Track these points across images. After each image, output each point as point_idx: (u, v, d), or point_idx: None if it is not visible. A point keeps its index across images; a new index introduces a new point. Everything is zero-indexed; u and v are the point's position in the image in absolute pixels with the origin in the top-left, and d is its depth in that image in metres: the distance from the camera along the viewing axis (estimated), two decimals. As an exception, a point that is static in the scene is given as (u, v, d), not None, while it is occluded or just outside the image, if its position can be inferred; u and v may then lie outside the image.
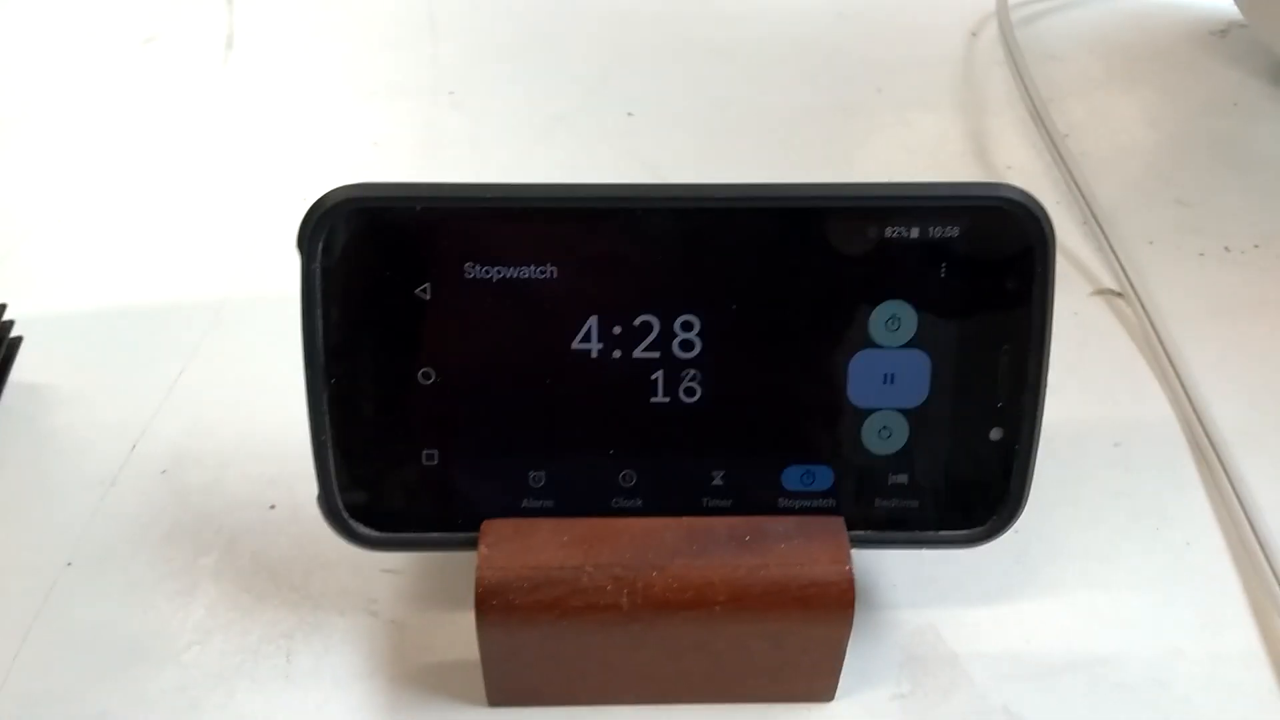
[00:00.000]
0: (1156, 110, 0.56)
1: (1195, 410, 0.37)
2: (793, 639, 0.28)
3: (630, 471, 0.28)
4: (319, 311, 0.27)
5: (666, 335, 0.27)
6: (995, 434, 0.28)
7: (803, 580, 0.27)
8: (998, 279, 0.27)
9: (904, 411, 0.28)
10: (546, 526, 0.28)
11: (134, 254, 0.45)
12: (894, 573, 0.32)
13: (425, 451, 0.28)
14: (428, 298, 0.27)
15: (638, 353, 0.27)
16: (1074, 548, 0.33)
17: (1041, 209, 0.26)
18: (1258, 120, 0.55)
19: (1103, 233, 0.45)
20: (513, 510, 0.28)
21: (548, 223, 0.27)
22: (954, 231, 0.27)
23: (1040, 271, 0.27)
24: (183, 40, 0.60)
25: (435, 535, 0.28)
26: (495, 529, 0.28)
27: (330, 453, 0.27)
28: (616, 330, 0.27)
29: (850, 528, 0.28)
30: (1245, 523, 0.33)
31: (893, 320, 0.27)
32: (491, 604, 0.26)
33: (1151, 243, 0.46)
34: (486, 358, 0.27)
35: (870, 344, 0.27)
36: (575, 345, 0.27)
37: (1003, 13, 0.61)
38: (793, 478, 0.28)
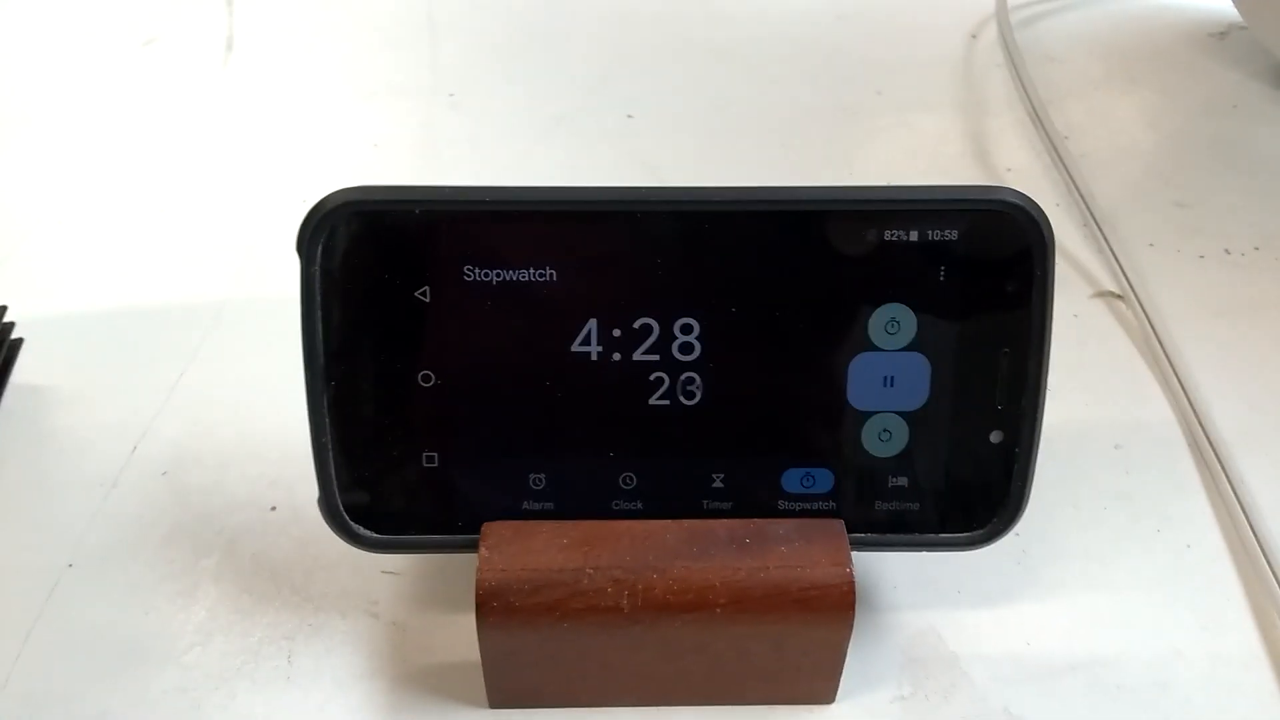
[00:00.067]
0: (1156, 112, 0.56)
1: (1195, 412, 0.37)
2: (793, 641, 0.28)
3: (630, 474, 0.28)
4: (319, 314, 0.27)
5: (666, 338, 0.27)
6: (995, 436, 0.28)
7: (803, 583, 0.27)
8: (997, 282, 0.27)
9: (904, 414, 0.28)
10: (547, 529, 0.28)
11: (134, 256, 0.45)
12: (894, 574, 0.32)
13: (425, 453, 0.28)
14: (427, 300, 0.27)
15: (637, 355, 0.27)
16: (1074, 549, 0.33)
17: (1041, 212, 0.26)
18: (1257, 122, 0.55)
19: (1102, 235, 0.45)
20: (513, 512, 0.28)
21: (547, 225, 0.27)
22: (953, 234, 0.27)
23: (1040, 274, 0.27)
24: (183, 42, 0.60)
25: (436, 537, 0.28)
26: (496, 531, 0.28)
27: (331, 455, 0.27)
28: (616, 333, 0.27)
29: (850, 530, 0.28)
30: (1245, 524, 0.33)
31: (892, 323, 0.27)
32: (492, 606, 0.26)
33: (1151, 245, 0.46)
34: (486, 360, 0.27)
35: (870, 347, 0.27)
36: (575, 348, 0.27)
37: (1002, 14, 0.61)
38: (793, 480, 0.28)
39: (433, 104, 0.55)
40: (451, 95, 0.56)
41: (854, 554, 0.27)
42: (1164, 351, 0.40)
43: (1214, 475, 0.35)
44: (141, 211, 0.47)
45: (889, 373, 0.27)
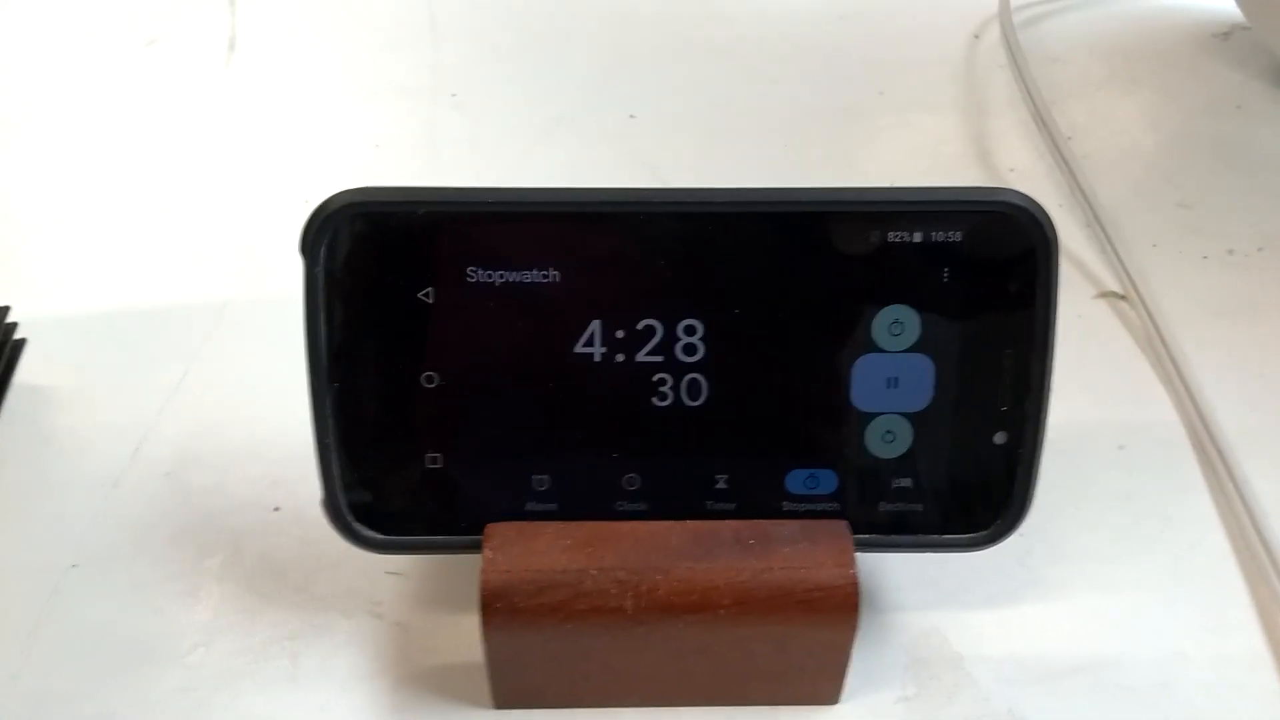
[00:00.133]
0: (1159, 112, 0.56)
1: (1199, 413, 0.37)
2: (797, 642, 0.28)
3: (634, 475, 0.28)
4: (322, 315, 0.27)
5: (669, 339, 0.27)
6: (999, 438, 0.28)
7: (807, 584, 0.27)
8: (1001, 283, 0.27)
9: (908, 415, 0.28)
10: (550, 530, 0.28)
11: (137, 256, 0.45)
12: (898, 575, 0.32)
13: (429, 454, 0.28)
14: (431, 301, 0.27)
15: (641, 356, 0.27)
16: (1078, 550, 0.33)
17: (1044, 213, 0.26)
18: (1261, 122, 0.55)
19: (1106, 235, 0.45)
20: (517, 513, 0.28)
21: (551, 226, 0.27)
22: (957, 236, 0.27)
23: (1043, 276, 0.27)
24: (185, 42, 0.60)
25: (439, 538, 0.28)
26: (499, 532, 0.28)
27: (334, 455, 0.27)
28: (619, 334, 0.27)
29: (854, 531, 0.28)
30: (1249, 525, 0.33)
31: (896, 324, 0.27)
32: (496, 607, 0.26)
33: (1155, 245, 0.46)
34: (490, 361, 0.27)
35: (874, 348, 0.27)
36: (578, 349, 0.27)
37: (1005, 14, 0.61)
38: (797, 481, 0.28)
39: (435, 104, 0.55)
40: (453, 95, 0.56)
41: (858, 555, 0.27)
42: (1167, 352, 0.39)
43: (1218, 476, 0.35)
44: (144, 212, 0.47)
45: (893, 374, 0.27)
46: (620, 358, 0.27)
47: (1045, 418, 0.27)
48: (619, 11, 0.63)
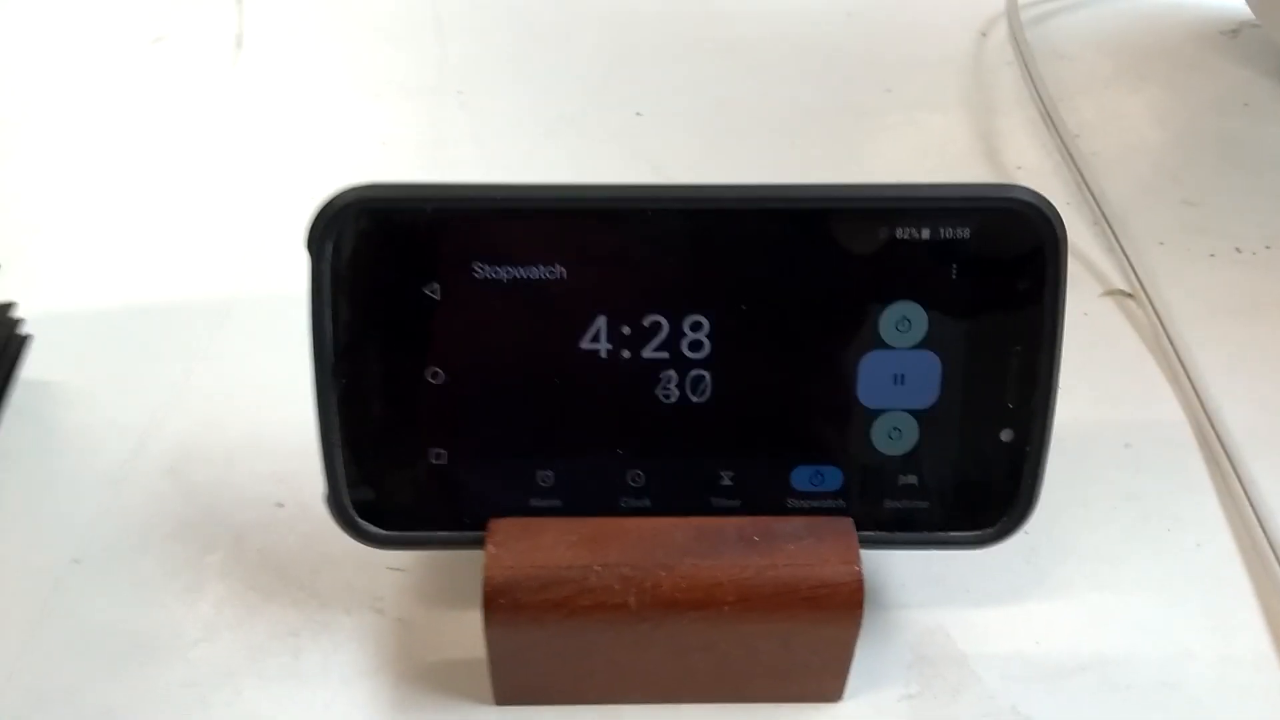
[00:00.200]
0: (1167, 110, 0.56)
1: (1206, 412, 0.37)
2: (801, 639, 0.27)
3: (639, 471, 0.28)
4: (328, 311, 0.27)
5: (676, 335, 0.27)
6: (1006, 435, 0.28)
7: (812, 581, 0.27)
8: (1009, 280, 0.27)
9: (914, 412, 0.28)
10: (554, 526, 0.28)
11: (142, 252, 0.45)
12: (903, 572, 0.32)
13: (433, 450, 0.28)
14: (437, 297, 0.27)
15: (647, 353, 0.27)
16: (1084, 549, 0.33)
17: (1053, 210, 0.26)
18: (1268, 120, 0.54)
19: (1113, 233, 0.45)
20: (520, 509, 0.28)
21: (557, 223, 0.27)
22: (965, 233, 0.26)
23: (1051, 273, 0.26)
24: (192, 40, 0.60)
25: (443, 534, 0.28)
26: (503, 528, 0.28)
27: (338, 451, 0.27)
28: (625, 330, 0.27)
29: (859, 528, 0.28)
30: (1256, 525, 0.33)
31: (903, 321, 0.27)
32: (499, 603, 0.26)
33: (1162, 243, 0.45)
34: (495, 357, 0.27)
35: (880, 345, 0.27)
36: (584, 345, 0.27)
37: (1012, 12, 0.61)
38: (802, 478, 0.28)
39: (441, 102, 0.55)
40: (460, 93, 0.56)
41: (863, 552, 0.27)
42: (1174, 350, 0.39)
43: (1224, 475, 0.35)
44: (150, 208, 0.47)
45: (899, 371, 0.27)
46: (626, 354, 0.27)
47: (1052, 415, 0.27)
48: (625, 9, 0.63)
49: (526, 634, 0.27)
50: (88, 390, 0.38)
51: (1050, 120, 0.53)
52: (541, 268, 0.27)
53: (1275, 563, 0.32)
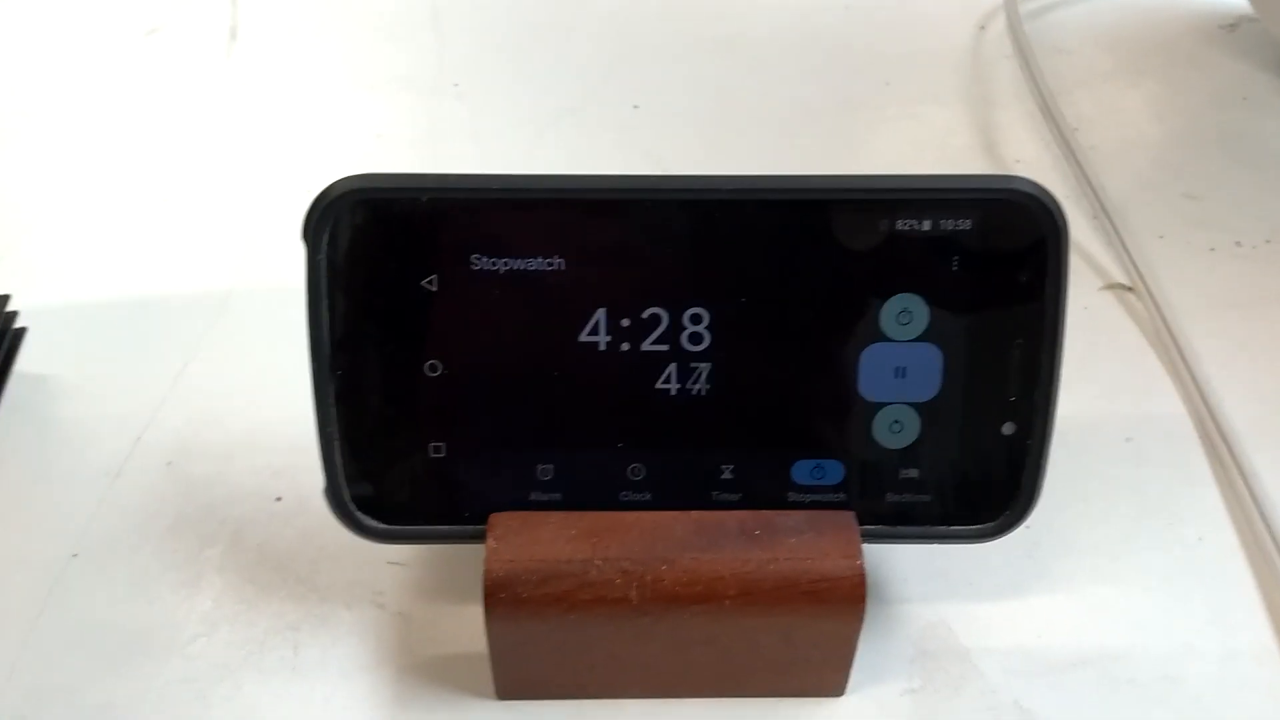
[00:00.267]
0: (1166, 104, 0.56)
1: (1207, 405, 0.37)
2: (803, 634, 0.27)
3: (639, 465, 0.28)
4: (325, 303, 0.26)
5: (675, 328, 0.27)
6: (1007, 428, 0.28)
7: (813, 575, 0.27)
8: (1010, 272, 0.27)
9: (915, 405, 0.28)
10: (555, 519, 0.28)
11: (139, 245, 0.45)
12: (905, 567, 0.32)
13: (432, 444, 0.28)
14: (434, 289, 0.27)
15: (646, 345, 0.27)
16: (1085, 543, 0.33)
17: (1054, 201, 0.26)
18: (1267, 114, 0.54)
19: (1113, 227, 0.45)
20: (520, 503, 0.28)
21: (555, 214, 0.26)
22: (966, 224, 0.26)
23: (1053, 265, 0.26)
24: (186, 31, 0.60)
25: (442, 528, 0.28)
26: (503, 522, 0.27)
27: (336, 445, 0.27)
28: (625, 322, 0.27)
29: (861, 522, 0.28)
30: (1258, 518, 0.33)
31: (904, 314, 0.27)
32: (500, 597, 0.26)
33: (1162, 237, 0.45)
34: (494, 350, 0.27)
35: (881, 337, 0.27)
36: (583, 337, 0.27)
37: (1011, 6, 0.61)
38: (803, 472, 0.28)
39: (437, 95, 0.55)
40: (456, 86, 0.56)
41: (864, 546, 0.27)
42: (1175, 344, 0.39)
43: (1225, 468, 0.35)
44: (145, 201, 0.47)
45: (901, 364, 0.27)
46: (625, 346, 0.27)
47: (1054, 409, 0.27)
48: (624, 3, 0.63)
49: (527, 628, 0.27)
50: (84, 384, 0.38)
51: (1049, 114, 0.52)
52: (540, 259, 0.27)
53: (1276, 556, 0.32)
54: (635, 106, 0.54)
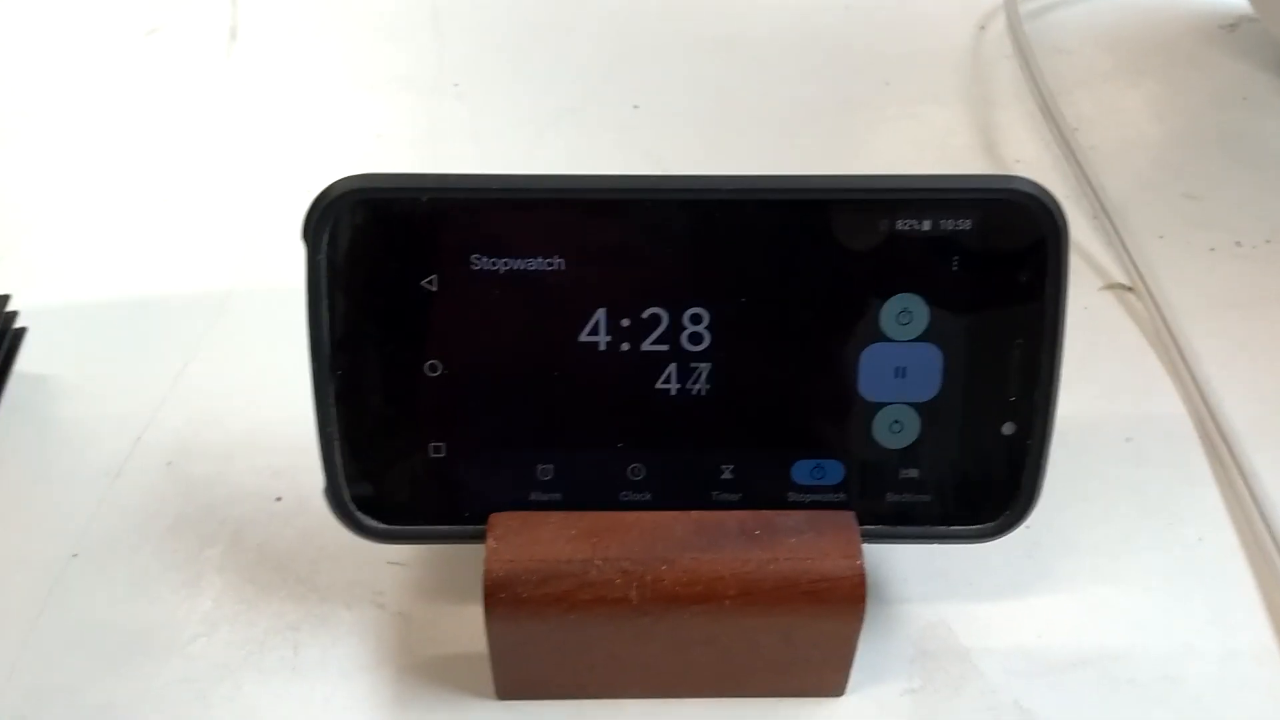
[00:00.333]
0: (1166, 104, 0.56)
1: (1207, 405, 0.37)
2: (803, 634, 0.27)
3: (639, 465, 0.28)
4: (325, 303, 0.26)
5: (675, 328, 0.27)
6: (1008, 429, 0.28)
7: (813, 575, 0.27)
8: (1010, 272, 0.27)
9: (915, 405, 0.28)
10: (555, 520, 0.28)
11: (138, 245, 0.45)
12: (905, 567, 0.32)
13: (432, 444, 0.28)
14: (434, 289, 0.27)
15: (646, 345, 0.27)
16: (1085, 543, 0.33)
17: (1055, 201, 0.26)
18: (1267, 114, 0.54)
19: (1113, 227, 0.45)
20: (520, 503, 0.28)
21: (556, 214, 0.26)
22: (966, 224, 0.26)
23: (1053, 265, 0.26)
24: (186, 32, 0.60)
25: (442, 528, 0.28)
26: (503, 522, 0.27)
27: (336, 445, 0.27)
28: (625, 322, 0.27)
29: (861, 522, 0.28)
30: (1258, 518, 0.33)
31: (904, 313, 0.27)
32: (500, 597, 0.26)
33: (1162, 237, 0.45)
34: (494, 350, 0.27)
35: (881, 337, 0.27)
36: (583, 337, 0.27)
37: (1011, 6, 0.61)
38: (803, 472, 0.28)
39: (437, 95, 0.55)
40: (456, 86, 0.56)
41: (864, 546, 0.27)
42: (1175, 344, 0.39)
43: (1225, 468, 0.35)
44: (145, 201, 0.47)
45: (901, 364, 0.27)
46: (625, 346, 0.27)
47: (1054, 409, 0.27)
48: (623, 2, 0.63)
49: (527, 628, 0.27)
50: (84, 384, 0.38)
51: (1049, 114, 0.52)
52: (540, 259, 0.27)
53: (1276, 556, 0.32)
54: (635, 106, 0.54)
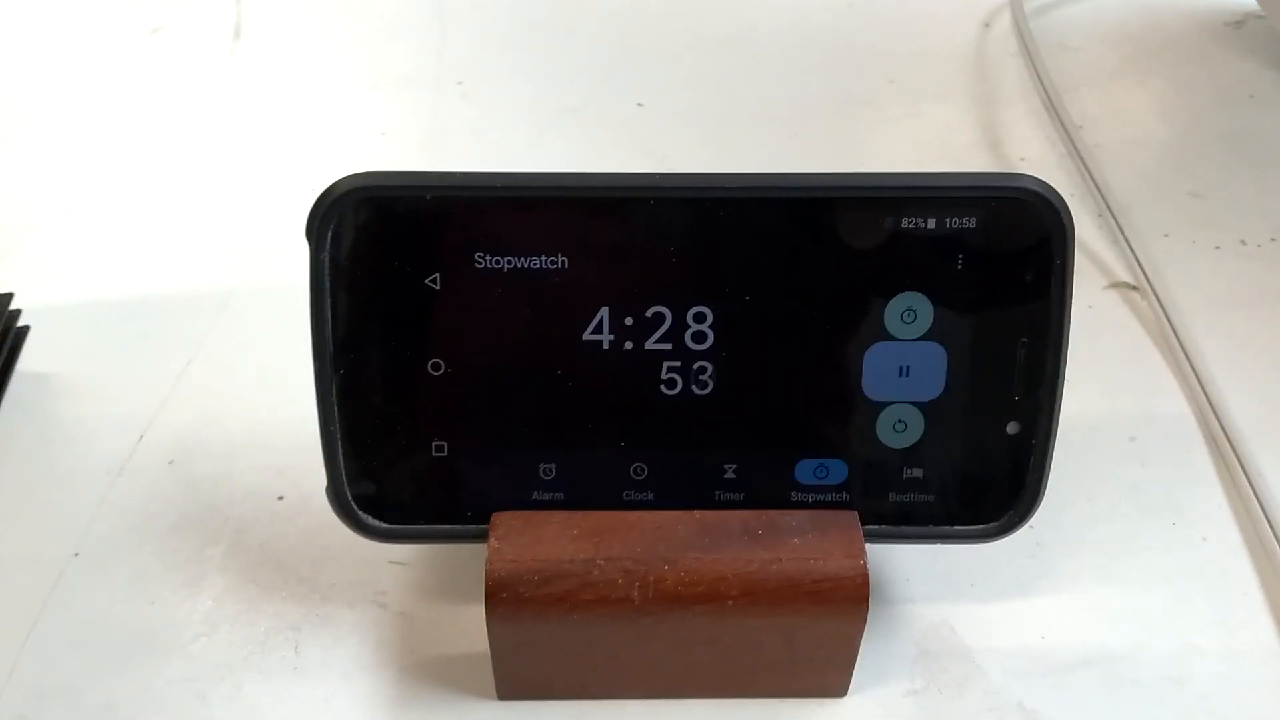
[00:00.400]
0: (1171, 102, 0.56)
1: (1211, 405, 0.37)
2: (806, 634, 0.27)
3: (642, 464, 0.28)
4: (328, 301, 0.26)
5: (679, 327, 0.27)
6: (1012, 428, 0.27)
7: (816, 575, 0.26)
8: (1015, 271, 0.27)
9: (919, 405, 0.28)
10: (557, 519, 0.27)
11: (141, 244, 0.45)
12: (908, 567, 0.32)
13: (435, 443, 0.28)
14: (437, 288, 0.27)
15: (649, 344, 0.27)
16: (1089, 543, 0.33)
17: (1060, 200, 0.26)
18: (1273, 112, 0.54)
19: (1117, 225, 0.45)
20: (523, 502, 0.28)
21: (559, 212, 0.26)
22: (971, 223, 0.26)
23: (1059, 263, 0.26)
24: (190, 30, 0.60)
25: (444, 527, 0.28)
26: (505, 521, 0.27)
27: (339, 444, 0.27)
28: (628, 321, 0.27)
29: (864, 522, 0.28)
30: (1262, 518, 0.33)
31: (908, 312, 0.27)
32: (501, 597, 0.26)
33: (1167, 235, 0.45)
34: (497, 349, 0.27)
35: (886, 336, 0.27)
36: (586, 336, 0.27)
37: (1016, 3, 0.61)
38: (806, 471, 0.28)
39: (441, 93, 0.55)
40: (460, 84, 0.56)
41: (867, 546, 0.27)
42: (1179, 343, 0.39)
43: (1230, 468, 0.35)
44: (149, 200, 0.47)
45: (905, 363, 0.27)
46: (629, 345, 0.27)
47: (1059, 408, 0.27)
48: (626, 1, 0.63)
49: (529, 628, 0.27)
50: (87, 383, 0.38)
51: (1054, 112, 0.52)
52: (543, 258, 0.26)
53: (1282, 556, 0.32)
54: (639, 105, 0.54)
